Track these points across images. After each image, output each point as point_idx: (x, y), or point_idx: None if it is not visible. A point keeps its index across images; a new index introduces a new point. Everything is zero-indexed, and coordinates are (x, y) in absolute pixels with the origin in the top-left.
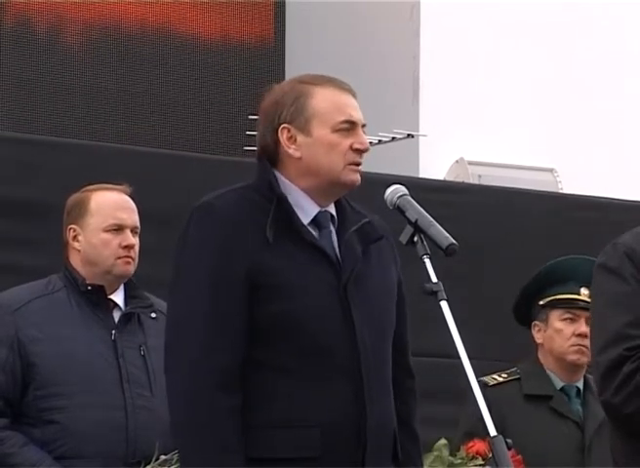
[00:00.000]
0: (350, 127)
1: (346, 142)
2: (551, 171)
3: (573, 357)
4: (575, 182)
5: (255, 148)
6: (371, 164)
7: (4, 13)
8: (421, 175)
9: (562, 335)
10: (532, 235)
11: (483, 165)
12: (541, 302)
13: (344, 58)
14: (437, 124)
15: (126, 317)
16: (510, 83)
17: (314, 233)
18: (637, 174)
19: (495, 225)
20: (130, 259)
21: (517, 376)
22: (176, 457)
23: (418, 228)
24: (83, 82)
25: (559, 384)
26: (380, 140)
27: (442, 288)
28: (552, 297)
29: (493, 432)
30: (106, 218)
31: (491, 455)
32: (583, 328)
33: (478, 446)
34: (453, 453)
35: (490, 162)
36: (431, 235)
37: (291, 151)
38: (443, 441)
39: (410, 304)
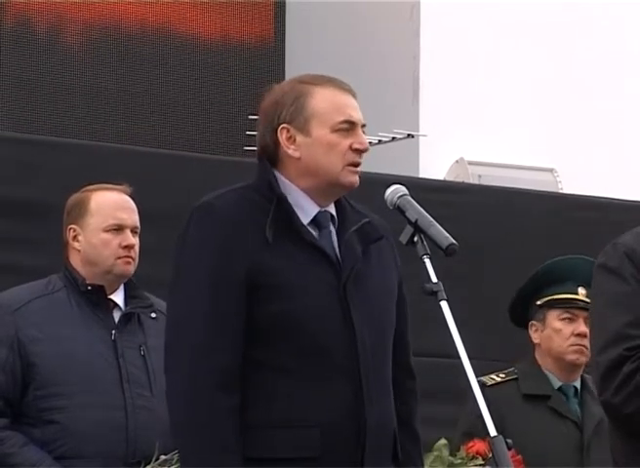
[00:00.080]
0: (350, 127)
1: (346, 143)
2: (551, 171)
3: (572, 357)
4: (575, 182)
5: (255, 148)
6: (371, 164)
7: (4, 13)
8: (421, 175)
9: (561, 335)
10: (532, 235)
11: (483, 165)
12: (539, 302)
13: (344, 58)
14: (437, 124)
15: (126, 317)
16: (510, 83)
17: (314, 233)
18: (637, 174)
19: (495, 225)
20: (130, 259)
21: (515, 376)
22: (176, 457)
23: (418, 228)
24: (83, 82)
25: (557, 384)
26: (379, 140)
27: (442, 288)
28: (550, 297)
29: (493, 432)
30: (106, 218)
31: (491, 455)
32: (582, 327)
33: (478, 446)
34: (453, 453)
35: (490, 162)
36: (431, 235)
37: (290, 151)
38: (443, 441)
39: (410, 304)
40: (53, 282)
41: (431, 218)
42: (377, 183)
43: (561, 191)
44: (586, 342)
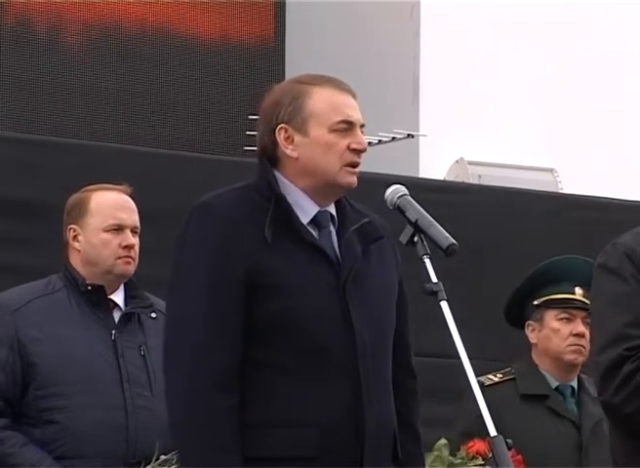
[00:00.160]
0: (348, 127)
1: (343, 142)
2: (551, 171)
3: (570, 357)
4: (575, 182)
5: (255, 148)
6: (371, 164)
7: (4, 13)
8: (421, 175)
9: (559, 335)
10: (532, 235)
11: (483, 165)
12: (536, 302)
13: (344, 58)
14: (437, 124)
15: (126, 317)
16: (510, 83)
17: (314, 233)
18: (637, 174)
19: (495, 225)
20: (130, 259)
21: (512, 376)
22: (176, 457)
23: (418, 228)
24: (83, 82)
25: (554, 384)
26: (379, 140)
27: (442, 288)
28: (547, 297)
29: (493, 432)
30: (106, 218)
31: (491, 455)
32: (581, 327)
33: (478, 446)
34: (453, 453)
35: (490, 162)
36: (431, 235)
37: (288, 151)
38: (443, 441)
39: (410, 304)
40: (53, 282)
41: (431, 218)
42: (377, 183)
43: (561, 191)
44: (584, 342)
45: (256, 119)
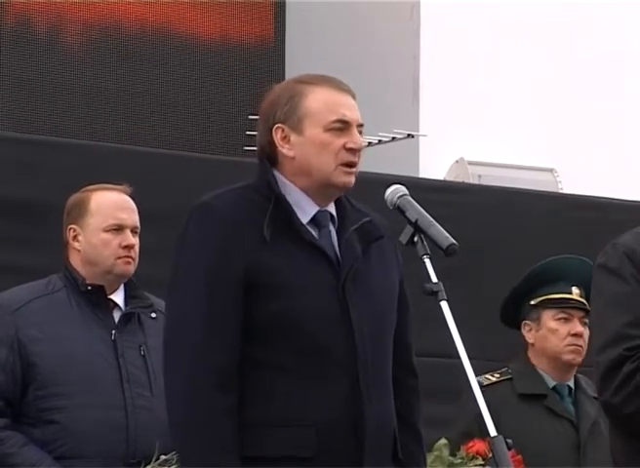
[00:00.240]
0: (343, 126)
1: (339, 142)
2: (551, 171)
3: (568, 356)
4: (575, 182)
5: (255, 148)
6: (371, 164)
7: (4, 13)
8: (421, 175)
9: (557, 335)
10: (532, 235)
11: (483, 165)
12: (533, 302)
13: (344, 58)
14: (437, 124)
15: (126, 317)
16: (510, 83)
17: (313, 232)
18: (637, 174)
19: (495, 225)
20: (130, 259)
21: (509, 376)
22: (176, 457)
23: (418, 228)
24: (83, 82)
25: (551, 383)
26: (380, 140)
27: (442, 288)
28: (544, 297)
29: (493, 432)
30: (106, 218)
31: (491, 455)
32: (579, 327)
33: (478, 446)
34: (453, 453)
35: (490, 162)
36: (431, 235)
37: (284, 151)
38: (443, 441)
39: (410, 304)
40: (53, 282)
41: (431, 218)
42: (377, 183)
43: (561, 191)
44: (582, 342)
45: (256, 119)
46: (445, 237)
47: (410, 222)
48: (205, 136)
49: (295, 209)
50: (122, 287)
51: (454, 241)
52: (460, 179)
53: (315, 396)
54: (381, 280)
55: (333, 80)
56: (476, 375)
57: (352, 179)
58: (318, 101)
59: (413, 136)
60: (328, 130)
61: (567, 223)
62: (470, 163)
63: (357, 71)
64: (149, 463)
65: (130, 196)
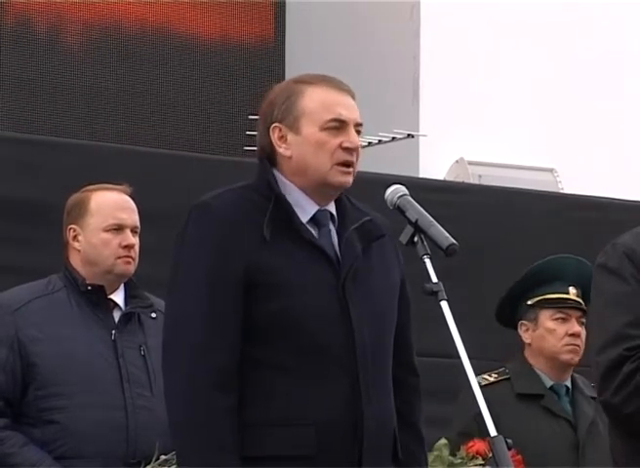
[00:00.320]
0: (340, 125)
1: (335, 141)
2: (551, 171)
3: (566, 356)
4: (575, 182)
5: (255, 148)
6: (371, 164)
7: (4, 13)
8: (421, 175)
9: (555, 335)
10: (532, 235)
11: (483, 165)
12: (530, 302)
13: (344, 58)
14: (437, 124)
15: (126, 317)
16: (510, 83)
17: (313, 232)
18: (637, 174)
19: (495, 225)
20: (130, 259)
21: (507, 376)
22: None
23: (418, 228)
24: (83, 82)
25: (548, 383)
26: (380, 140)
27: (442, 288)
28: (541, 297)
29: (493, 432)
30: (106, 218)
31: (491, 455)
32: (576, 327)
33: (478, 445)
34: (453, 453)
35: (490, 162)
36: (431, 235)
37: (281, 150)
38: (443, 441)
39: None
40: (53, 282)
41: (431, 218)
42: (377, 183)
43: (561, 191)
44: (580, 342)
45: (256, 119)
46: (445, 237)
47: (410, 222)
48: (205, 136)
49: (295, 208)
50: (122, 287)
51: (454, 241)
52: (460, 179)
53: (315, 395)
54: (382, 279)
55: (332, 80)
56: (475, 375)
57: (349, 179)
58: (315, 101)
59: (413, 136)
60: (324, 129)
61: (567, 223)
62: (470, 163)
63: (357, 71)
64: (149, 463)
65: (130, 196)
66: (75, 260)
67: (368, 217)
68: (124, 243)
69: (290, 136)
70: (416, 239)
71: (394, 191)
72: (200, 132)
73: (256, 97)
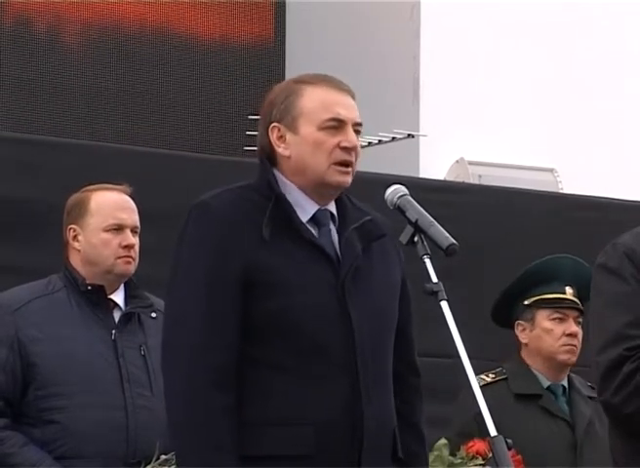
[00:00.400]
0: (338, 125)
1: (333, 141)
2: (551, 171)
3: (564, 357)
4: (575, 182)
5: (255, 148)
6: (371, 164)
7: (4, 13)
8: (421, 175)
9: (552, 335)
10: (532, 235)
11: (483, 165)
12: (526, 302)
13: (344, 58)
14: (437, 124)
15: (126, 317)
16: (510, 83)
17: (313, 231)
18: (637, 174)
19: (495, 225)
20: (130, 259)
21: (504, 376)
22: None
23: (418, 228)
24: (83, 82)
25: (545, 383)
26: (380, 140)
27: (442, 288)
28: (538, 297)
29: (493, 432)
30: (106, 218)
31: (491, 455)
32: (573, 327)
33: (478, 445)
34: (453, 453)
35: (490, 162)
36: (431, 235)
37: (280, 150)
38: (443, 441)
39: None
40: (53, 282)
41: (431, 218)
42: (377, 183)
43: (561, 191)
44: (577, 342)
45: (256, 119)
46: (445, 237)
47: (410, 222)
48: (205, 136)
49: (295, 208)
50: (122, 287)
51: (454, 241)
52: (460, 179)
53: (314, 395)
54: (382, 278)
55: (332, 80)
56: (476, 375)
57: (347, 179)
58: (314, 101)
59: (413, 136)
60: (322, 128)
61: (567, 223)
62: (470, 163)
63: (357, 71)
64: (149, 463)
65: (130, 196)
66: (75, 260)
67: (368, 217)
68: (124, 243)
69: (288, 136)
70: (416, 239)
71: (394, 191)
72: (200, 132)
73: (256, 97)
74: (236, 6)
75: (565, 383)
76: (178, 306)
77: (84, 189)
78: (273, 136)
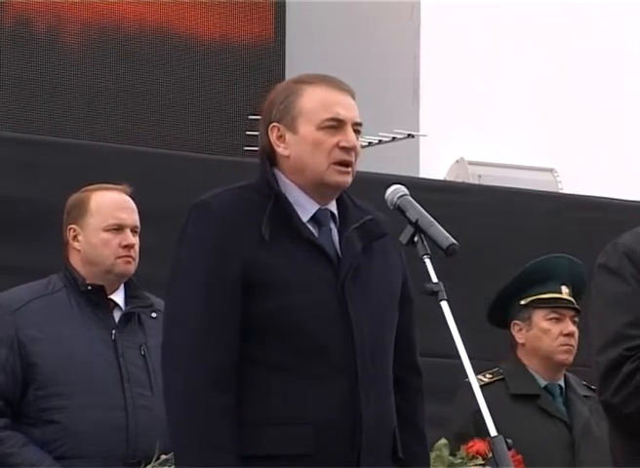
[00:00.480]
0: (337, 125)
1: (332, 140)
2: (551, 171)
3: (562, 356)
4: (575, 182)
5: (255, 148)
6: (371, 164)
7: (4, 13)
8: (421, 175)
9: (550, 335)
10: (532, 235)
11: (483, 165)
12: (523, 302)
13: (344, 58)
14: (437, 124)
15: (126, 317)
16: (510, 83)
17: (314, 231)
18: (637, 174)
19: (495, 225)
20: (130, 259)
21: (501, 376)
22: None
23: (418, 228)
24: (83, 82)
25: (542, 383)
26: (380, 140)
27: (442, 288)
28: (535, 297)
29: (493, 432)
30: (106, 218)
31: (491, 455)
32: (570, 327)
33: (478, 445)
34: (453, 453)
35: (490, 162)
36: (432, 235)
37: (280, 150)
38: (443, 441)
39: None
40: (53, 282)
41: (431, 218)
42: (377, 183)
43: (561, 191)
44: (573, 342)
45: (256, 119)
46: (445, 237)
47: (410, 222)
48: (205, 136)
49: (295, 207)
50: (122, 287)
51: (454, 241)
52: (460, 179)
53: (312, 394)
54: (383, 278)
55: (332, 80)
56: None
57: (347, 179)
58: (313, 100)
59: (413, 136)
60: (321, 128)
61: (567, 223)
62: (470, 163)
63: (357, 71)
64: (149, 463)
65: (130, 196)
66: (75, 260)
67: (369, 217)
68: (124, 243)
69: (288, 136)
70: (416, 239)
71: (394, 191)
72: (200, 132)
73: (256, 97)
74: (236, 6)
75: (562, 383)
76: (177, 306)
77: (84, 189)
78: (273, 136)
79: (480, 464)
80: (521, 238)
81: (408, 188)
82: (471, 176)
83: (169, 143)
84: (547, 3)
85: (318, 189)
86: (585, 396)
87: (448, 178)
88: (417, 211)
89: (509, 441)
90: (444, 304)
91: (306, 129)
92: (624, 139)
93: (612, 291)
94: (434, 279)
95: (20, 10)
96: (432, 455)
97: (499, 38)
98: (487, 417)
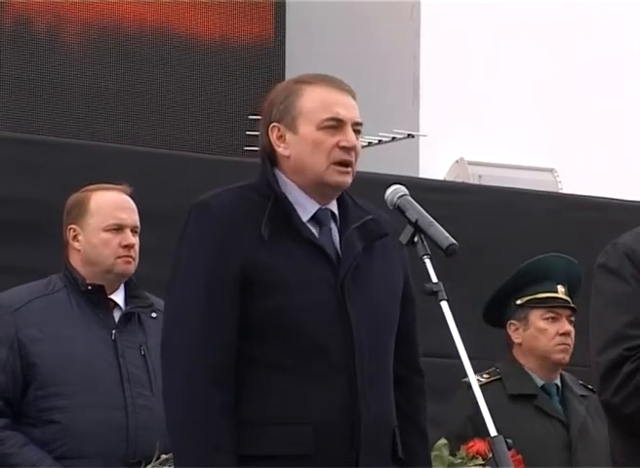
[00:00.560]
0: (337, 125)
1: (332, 140)
2: (551, 171)
3: (558, 356)
4: (575, 182)
5: (255, 148)
6: (371, 164)
7: (4, 13)
8: (421, 175)
9: (546, 335)
10: (532, 235)
11: (483, 165)
12: (519, 302)
13: (344, 58)
14: (437, 124)
15: (126, 317)
16: (510, 83)
17: (314, 231)
18: (637, 174)
19: (495, 225)
20: (130, 259)
21: (498, 376)
22: None
23: (418, 228)
24: (83, 82)
25: (539, 383)
26: (380, 140)
27: (442, 288)
28: (531, 297)
29: (493, 432)
30: (106, 218)
31: (491, 455)
32: (567, 326)
33: (478, 445)
34: (453, 453)
35: (490, 162)
36: (431, 235)
37: (280, 150)
38: (443, 441)
39: None
40: (53, 282)
41: (431, 218)
42: (377, 183)
43: (561, 191)
44: (570, 341)
45: (256, 119)
46: (445, 237)
47: (410, 222)
48: (205, 136)
49: (295, 207)
50: (122, 286)
51: (454, 241)
52: (460, 179)
53: (312, 394)
54: (383, 278)
55: (332, 79)
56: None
57: (347, 179)
58: (313, 100)
59: (413, 136)
60: (321, 128)
61: (567, 223)
62: (470, 163)
63: (357, 71)
64: (149, 463)
65: (130, 196)
66: (75, 260)
67: (370, 216)
68: (124, 242)
69: (288, 136)
70: (416, 239)
71: (394, 191)
72: (200, 132)
73: (256, 97)
74: (236, 6)
75: (558, 382)
76: (177, 306)
77: (84, 189)
78: (273, 136)
79: (480, 464)
80: (521, 238)
81: (408, 188)
82: (471, 177)
83: (169, 143)
84: (547, 3)
85: (318, 189)
86: (582, 395)
87: (448, 178)
88: (416, 211)
89: (509, 441)
90: (444, 304)
91: (306, 129)
92: (624, 139)
93: (612, 291)
94: (434, 279)
95: (20, 10)
96: (432, 455)
97: (499, 38)
98: (487, 417)
